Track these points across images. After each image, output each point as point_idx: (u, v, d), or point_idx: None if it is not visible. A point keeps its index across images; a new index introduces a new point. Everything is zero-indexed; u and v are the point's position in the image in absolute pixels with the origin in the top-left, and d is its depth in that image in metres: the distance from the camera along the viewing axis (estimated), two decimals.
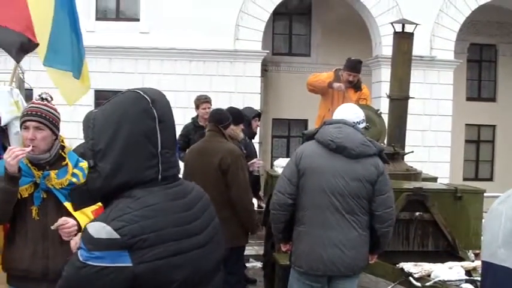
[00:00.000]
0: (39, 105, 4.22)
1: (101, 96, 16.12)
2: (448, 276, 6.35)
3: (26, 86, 8.43)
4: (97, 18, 19.20)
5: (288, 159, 6.04)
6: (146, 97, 2.36)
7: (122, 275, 2.17)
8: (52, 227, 3.35)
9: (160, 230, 2.26)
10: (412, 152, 9.27)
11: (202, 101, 9.56)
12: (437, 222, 7.16)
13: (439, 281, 6.30)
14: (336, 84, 9.44)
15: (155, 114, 2.35)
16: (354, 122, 5.44)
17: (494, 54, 25.14)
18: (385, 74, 17.60)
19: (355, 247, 5.21)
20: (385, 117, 9.02)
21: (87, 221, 3.53)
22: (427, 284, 6.35)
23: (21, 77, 7.37)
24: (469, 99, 24.54)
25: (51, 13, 6.63)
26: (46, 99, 4.28)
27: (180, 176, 2.54)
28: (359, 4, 20.44)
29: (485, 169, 25.29)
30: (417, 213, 7.15)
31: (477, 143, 25.30)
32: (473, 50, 24.50)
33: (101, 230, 2.17)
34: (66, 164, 4.28)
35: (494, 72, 25.22)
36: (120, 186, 2.32)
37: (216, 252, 2.55)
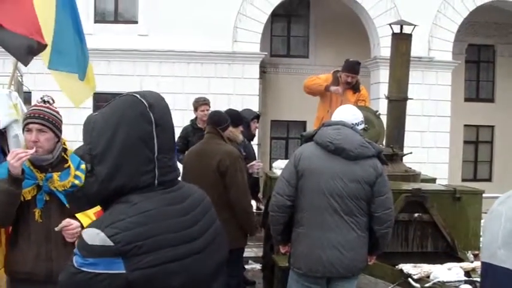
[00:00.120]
0: (41, 108, 4.24)
1: (100, 98, 16.08)
2: (447, 277, 6.35)
3: (25, 88, 8.45)
4: (95, 21, 19.22)
5: (287, 161, 6.03)
6: (143, 101, 2.34)
7: (116, 282, 2.16)
8: (56, 229, 3.36)
9: (156, 236, 2.24)
10: (411, 153, 9.26)
11: (200, 103, 9.56)
12: (436, 223, 7.15)
13: (438, 282, 6.30)
14: (332, 88, 9.46)
15: (152, 118, 2.33)
16: (352, 124, 5.45)
17: (492, 54, 25.16)
18: (383, 75, 17.61)
19: (354, 248, 5.21)
20: (384, 119, 9.02)
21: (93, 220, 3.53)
22: (426, 285, 6.35)
23: (20, 79, 7.38)
24: (467, 100, 24.55)
25: (53, 15, 6.63)
26: (48, 102, 4.29)
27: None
28: (357, 5, 20.46)
29: (484, 170, 25.30)
30: (416, 215, 7.14)
31: (475, 144, 25.31)
32: (471, 51, 24.52)
33: (94, 237, 2.16)
34: (69, 166, 4.29)
35: (493, 72, 25.23)
36: (116, 191, 2.30)
37: (216, 256, 2.52)
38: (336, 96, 9.48)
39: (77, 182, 4.24)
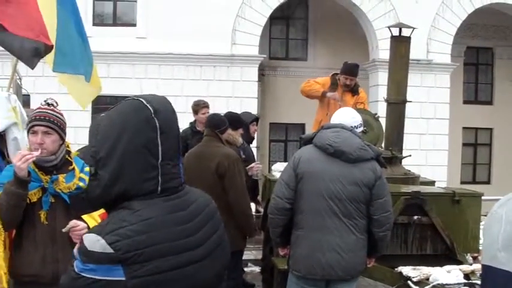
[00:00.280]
0: (46, 110, 4.26)
1: (99, 101, 16.07)
2: (447, 280, 6.36)
3: (24, 91, 8.44)
4: (94, 24, 19.19)
5: (286, 163, 6.04)
6: (149, 106, 2.31)
7: None
8: (63, 230, 3.36)
9: (156, 244, 2.23)
10: (410, 155, 9.26)
11: (201, 106, 9.55)
12: (435, 226, 7.16)
13: (438, 284, 6.31)
14: (329, 94, 9.48)
15: (157, 124, 2.31)
16: (351, 126, 5.45)
17: (490, 57, 25.16)
18: (382, 77, 17.62)
19: (353, 251, 5.22)
20: (383, 121, 9.03)
21: (95, 225, 3.53)
22: (426, 287, 6.35)
23: (19, 82, 7.38)
24: (466, 102, 24.55)
25: (55, 18, 6.64)
26: (52, 105, 4.31)
27: None
28: (356, 8, 20.46)
29: (483, 172, 25.30)
30: (415, 217, 7.15)
31: (474, 146, 25.32)
32: (469, 53, 24.51)
33: (95, 243, 2.16)
34: (73, 169, 4.31)
35: (491, 75, 25.24)
36: (118, 196, 2.29)
37: (218, 263, 2.51)
38: (337, 94, 9.49)
39: (81, 184, 4.26)
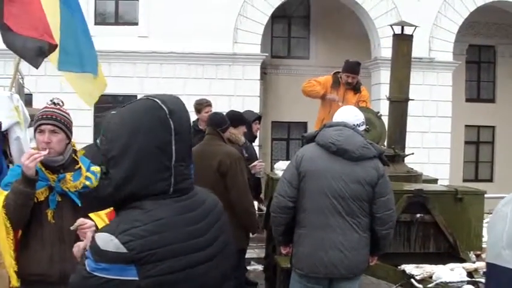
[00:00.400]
0: (53, 109, 4.28)
1: (101, 100, 16.05)
2: (450, 278, 6.36)
3: (26, 91, 8.46)
4: (96, 23, 19.20)
5: (288, 162, 6.03)
6: (164, 107, 2.30)
7: None
8: (71, 228, 3.37)
9: (168, 245, 2.23)
10: (413, 153, 9.26)
11: (204, 105, 9.53)
12: (438, 224, 7.16)
13: (441, 282, 6.31)
14: (329, 96, 9.50)
15: (172, 126, 2.30)
16: (354, 125, 5.44)
17: (493, 55, 25.16)
18: (384, 76, 17.62)
19: (356, 249, 5.21)
20: (385, 119, 9.02)
21: (102, 224, 3.53)
22: (429, 285, 6.36)
23: (21, 82, 7.39)
24: (468, 100, 24.54)
25: (58, 17, 6.65)
26: (58, 104, 4.32)
27: None
28: (357, 6, 20.45)
29: (485, 170, 25.29)
30: (418, 215, 7.14)
31: (477, 144, 25.31)
32: (472, 51, 24.51)
33: (108, 242, 2.16)
34: (80, 168, 4.32)
35: (493, 73, 25.23)
36: (130, 196, 2.28)
37: (225, 264, 2.52)
38: (337, 96, 9.49)
39: (87, 183, 4.27)
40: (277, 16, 21.88)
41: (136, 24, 19.85)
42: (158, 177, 2.28)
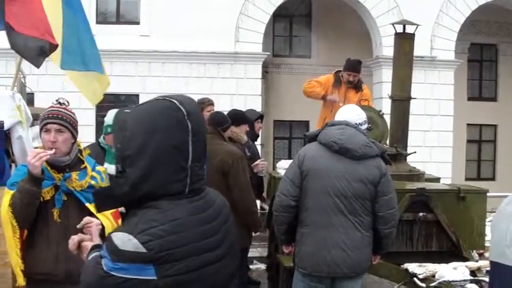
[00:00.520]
0: (59, 109, 4.29)
1: (103, 99, 16.14)
2: (453, 277, 6.35)
3: (28, 90, 8.46)
4: (97, 22, 19.18)
5: (291, 160, 6.02)
6: (182, 108, 2.32)
7: None
8: (78, 226, 3.38)
9: (185, 245, 2.25)
10: (415, 152, 9.26)
11: (206, 104, 9.51)
12: (440, 223, 7.15)
13: (444, 281, 6.30)
14: (329, 97, 9.49)
15: (189, 126, 2.31)
16: (356, 123, 5.44)
17: (495, 53, 25.14)
18: (386, 74, 17.63)
19: (359, 248, 5.20)
20: (387, 118, 9.02)
21: (107, 223, 3.52)
22: (432, 284, 6.35)
23: (23, 81, 7.39)
24: (470, 99, 24.53)
25: (60, 16, 6.65)
26: (64, 104, 4.33)
27: None
28: (359, 5, 20.44)
29: (487, 169, 25.28)
30: (421, 214, 7.13)
31: (479, 143, 25.29)
32: (473, 50, 24.50)
33: (127, 242, 2.18)
34: (85, 167, 4.34)
35: (495, 71, 25.21)
36: (146, 195, 2.29)
37: (233, 263, 2.54)
38: (339, 96, 9.49)
39: (93, 182, 4.29)
40: (278, 15, 21.87)
41: (138, 23, 19.86)
42: (175, 177, 2.30)
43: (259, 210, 7.83)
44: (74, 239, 2.88)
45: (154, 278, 2.18)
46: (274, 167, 12.27)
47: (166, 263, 2.19)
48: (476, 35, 24.01)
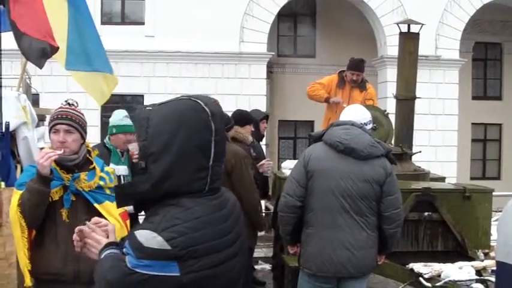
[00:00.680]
0: (68, 109, 4.31)
1: (108, 99, 16.16)
2: (459, 276, 6.34)
3: (33, 91, 8.48)
4: (102, 22, 19.22)
5: (296, 161, 6.02)
6: (206, 109, 2.37)
7: (170, 284, 2.24)
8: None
9: (207, 242, 2.30)
10: (420, 152, 9.25)
11: None
12: (446, 222, 7.14)
13: (450, 281, 6.29)
14: (332, 99, 9.51)
15: (213, 127, 2.36)
16: (361, 123, 5.43)
17: (499, 52, 25.12)
18: (390, 74, 17.61)
19: (364, 248, 5.20)
20: (392, 118, 9.01)
21: (115, 223, 3.53)
22: (438, 284, 6.34)
23: (28, 82, 7.40)
24: (474, 98, 24.52)
25: (66, 17, 6.66)
26: (73, 105, 4.35)
27: None
28: (363, 5, 20.45)
29: (492, 168, 25.25)
30: (426, 214, 7.13)
31: (484, 142, 25.27)
32: (478, 49, 24.48)
33: (151, 240, 2.22)
34: (94, 168, 4.35)
35: (500, 70, 25.19)
36: (167, 193, 2.33)
37: (243, 260, 2.59)
38: (343, 96, 9.50)
39: (101, 183, 4.31)
40: (283, 15, 21.89)
41: (142, 23, 19.89)
42: (196, 176, 2.35)
43: (264, 210, 7.83)
44: (76, 238, 2.89)
45: (178, 274, 2.23)
46: (279, 167, 12.26)
47: (190, 259, 2.24)
48: (481, 34, 23.98)
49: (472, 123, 24.23)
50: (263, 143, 10.84)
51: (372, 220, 5.21)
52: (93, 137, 15.18)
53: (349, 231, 5.15)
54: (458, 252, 7.17)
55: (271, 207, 8.87)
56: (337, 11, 22.15)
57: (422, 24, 9.50)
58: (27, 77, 7.23)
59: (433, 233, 7.21)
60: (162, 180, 2.31)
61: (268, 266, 10.02)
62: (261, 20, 19.72)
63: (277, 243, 8.40)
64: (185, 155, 2.32)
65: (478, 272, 6.53)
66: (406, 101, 9.21)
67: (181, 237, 2.23)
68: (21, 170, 5.74)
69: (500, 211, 2.77)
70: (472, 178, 22.83)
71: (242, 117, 7.50)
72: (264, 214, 7.83)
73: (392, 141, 8.85)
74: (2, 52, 6.02)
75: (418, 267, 6.58)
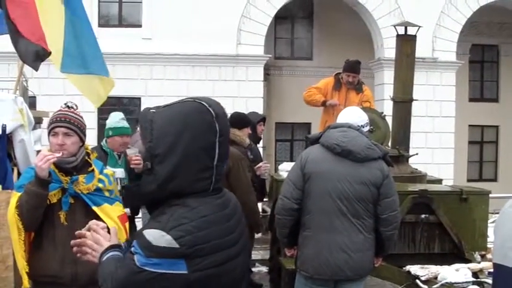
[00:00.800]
0: (67, 112, 4.32)
1: (104, 102, 16.15)
2: (455, 278, 6.35)
3: (30, 93, 8.47)
4: (99, 25, 19.21)
5: (292, 163, 6.02)
6: (211, 110, 2.42)
7: (178, 282, 2.29)
8: (83, 230, 3.39)
9: (213, 240, 2.36)
10: (417, 154, 9.25)
11: None
12: (443, 225, 7.15)
13: (446, 283, 6.30)
14: (328, 102, 9.52)
15: (217, 129, 2.42)
16: (358, 126, 5.43)
17: (496, 54, 25.13)
18: (387, 76, 17.63)
19: (361, 250, 5.20)
20: (389, 120, 9.01)
21: (114, 226, 3.53)
22: (434, 286, 6.35)
23: (25, 84, 7.40)
24: (471, 100, 24.52)
25: (62, 20, 6.66)
26: (72, 107, 4.35)
27: None
28: (360, 7, 20.45)
29: (489, 170, 25.26)
30: (423, 216, 7.13)
31: (480, 144, 25.28)
32: (475, 51, 24.48)
33: (160, 238, 2.28)
34: (93, 170, 4.36)
35: (497, 72, 25.20)
36: (173, 193, 2.39)
37: (246, 260, 2.64)
38: (340, 98, 9.50)
39: (100, 185, 4.33)
40: (280, 17, 21.87)
41: (139, 26, 19.87)
42: (201, 176, 2.41)
43: (261, 213, 7.83)
44: (75, 243, 2.89)
45: (186, 272, 2.29)
46: (276, 170, 12.26)
47: (197, 257, 2.30)
48: (478, 36, 23.98)
49: (469, 125, 24.23)
50: (260, 145, 10.84)
51: (368, 222, 5.22)
52: (90, 139, 15.04)
53: (346, 233, 5.15)
54: (455, 254, 7.18)
55: (268, 210, 8.87)
56: (334, 13, 22.13)
57: (419, 27, 9.50)
58: (24, 79, 7.23)
59: (430, 235, 7.22)
60: (168, 181, 2.37)
61: (265, 268, 10.01)
62: (258, 22, 19.71)
63: (274, 245, 8.40)
64: (190, 156, 2.38)
65: (475, 274, 6.54)
66: (403, 103, 9.21)
67: (188, 236, 2.28)
68: (18, 173, 5.73)
69: (497, 213, 2.78)
70: (469, 180, 22.83)
71: (240, 120, 7.50)
72: (261, 216, 7.83)
73: (389, 144, 8.84)
74: None
75: (415, 269, 6.59)
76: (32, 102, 11.57)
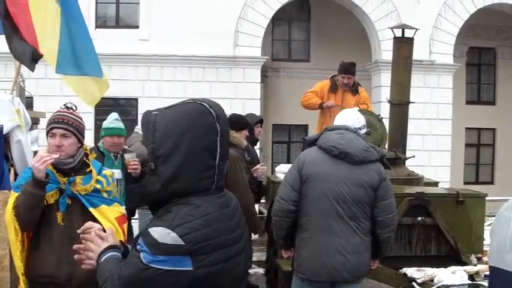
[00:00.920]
0: (65, 113, 4.31)
1: (101, 103, 16.08)
2: (452, 281, 6.34)
3: (27, 94, 8.45)
4: (97, 26, 19.23)
5: (290, 165, 6.02)
6: (212, 111, 2.49)
7: (183, 278, 2.34)
8: (78, 231, 3.40)
9: (217, 237, 2.42)
10: (414, 156, 9.26)
11: None
12: (439, 227, 7.15)
13: (443, 285, 6.29)
14: (325, 104, 9.52)
15: (218, 129, 2.48)
16: (355, 128, 5.43)
17: (493, 57, 25.18)
18: (384, 78, 17.64)
19: (358, 252, 5.20)
20: (386, 122, 9.01)
21: (110, 227, 3.54)
22: None
23: (22, 85, 7.38)
24: (468, 102, 24.57)
25: (58, 21, 6.66)
26: (71, 108, 4.35)
27: None
28: (358, 9, 20.47)
29: (486, 172, 25.30)
30: (419, 218, 7.13)
31: (477, 147, 25.32)
32: (472, 54, 24.53)
33: (166, 236, 2.33)
34: (91, 171, 4.36)
35: (494, 75, 25.25)
36: (176, 192, 2.44)
37: (247, 258, 2.69)
38: (336, 100, 9.51)
39: (98, 186, 4.32)
40: (277, 19, 21.89)
41: (137, 27, 19.87)
42: (203, 175, 2.47)
43: (258, 214, 7.82)
44: (80, 247, 2.91)
45: (191, 268, 2.34)
46: (273, 171, 12.26)
47: (201, 254, 2.35)
48: (475, 38, 24.03)
49: (466, 128, 24.28)
50: (257, 147, 10.84)
51: (365, 225, 5.21)
52: (87, 140, 15.07)
53: (342, 235, 5.15)
54: (451, 257, 7.18)
55: (265, 211, 8.86)
56: (332, 16, 22.17)
57: (417, 29, 9.52)
58: (21, 80, 7.20)
59: (427, 238, 7.22)
60: (171, 180, 2.43)
61: (261, 270, 9.99)
62: (256, 24, 19.73)
63: (270, 247, 8.40)
64: (193, 156, 2.43)
65: (471, 277, 6.54)
66: (400, 105, 9.22)
67: (194, 233, 2.33)
68: (15, 174, 5.73)
69: (494, 216, 2.78)
70: (465, 183, 22.84)
71: (238, 122, 7.49)
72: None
73: (386, 146, 8.84)
74: None
75: (411, 271, 6.59)
76: (29, 103, 11.54)
